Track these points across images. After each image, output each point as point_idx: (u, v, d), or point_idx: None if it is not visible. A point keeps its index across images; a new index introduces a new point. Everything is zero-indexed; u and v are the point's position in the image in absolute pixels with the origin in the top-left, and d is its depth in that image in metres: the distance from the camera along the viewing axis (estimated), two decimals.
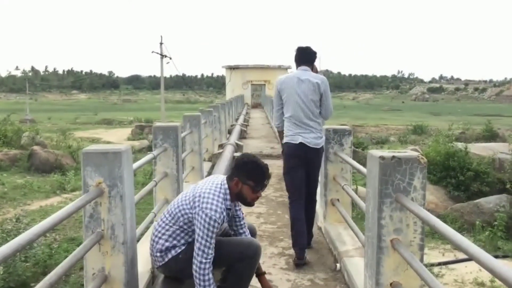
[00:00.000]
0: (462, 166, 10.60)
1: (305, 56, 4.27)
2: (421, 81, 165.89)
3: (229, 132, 13.70)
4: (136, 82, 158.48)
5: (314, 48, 4.31)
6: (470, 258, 1.80)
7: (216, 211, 2.67)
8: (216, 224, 2.67)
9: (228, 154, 8.33)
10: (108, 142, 22.82)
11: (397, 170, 2.58)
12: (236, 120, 17.81)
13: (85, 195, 2.53)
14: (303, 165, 4.19)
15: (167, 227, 2.83)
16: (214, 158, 8.59)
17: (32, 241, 1.86)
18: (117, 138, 27.11)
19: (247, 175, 2.80)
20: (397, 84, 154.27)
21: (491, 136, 22.71)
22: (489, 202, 9.11)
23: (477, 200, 9.34)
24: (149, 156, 4.21)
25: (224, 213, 2.76)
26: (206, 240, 2.64)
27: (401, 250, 2.57)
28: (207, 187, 2.79)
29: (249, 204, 2.91)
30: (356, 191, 7.49)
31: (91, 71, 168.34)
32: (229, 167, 2.89)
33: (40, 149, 14.37)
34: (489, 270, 1.66)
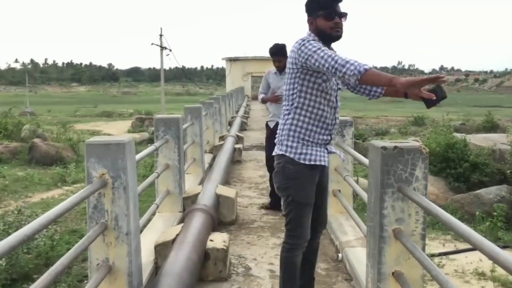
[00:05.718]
0: (461, 157, 10.61)
1: (280, 52, 5.40)
2: (422, 72, 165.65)
3: (230, 124, 13.70)
4: (135, 75, 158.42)
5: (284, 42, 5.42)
6: (473, 247, 1.81)
7: (311, 40, 2.62)
8: (316, 44, 2.58)
9: (229, 145, 8.34)
10: (109, 135, 22.81)
11: (399, 160, 2.58)
12: (237, 112, 17.79)
13: (89, 186, 2.53)
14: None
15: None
16: (215, 150, 8.60)
17: (38, 232, 1.87)
18: (117, 131, 27.10)
19: (316, 7, 2.72)
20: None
21: (491, 127, 22.66)
22: (489, 192, 9.13)
23: (477, 191, 9.35)
24: (151, 148, 4.22)
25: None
26: (326, 56, 2.50)
27: (403, 239, 2.58)
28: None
29: (331, 35, 2.73)
30: (356, 182, 7.50)
31: (90, 63, 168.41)
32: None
33: (41, 142, 14.39)
34: (492, 258, 1.66)
